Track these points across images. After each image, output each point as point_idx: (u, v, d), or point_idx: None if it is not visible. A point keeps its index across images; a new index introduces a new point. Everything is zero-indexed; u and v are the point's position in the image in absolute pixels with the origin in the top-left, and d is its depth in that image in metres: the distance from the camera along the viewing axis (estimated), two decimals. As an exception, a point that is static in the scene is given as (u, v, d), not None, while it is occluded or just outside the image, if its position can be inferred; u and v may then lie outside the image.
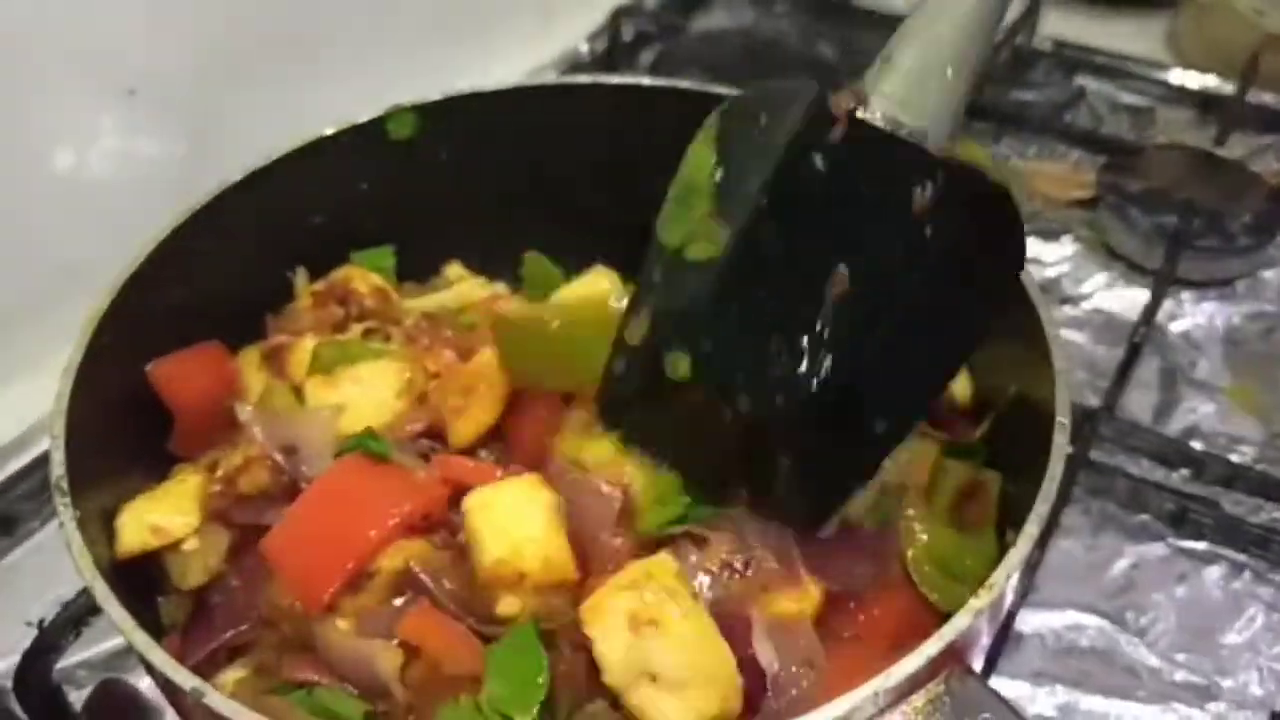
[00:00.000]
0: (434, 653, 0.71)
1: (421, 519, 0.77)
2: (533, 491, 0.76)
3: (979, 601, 0.60)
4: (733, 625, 0.70)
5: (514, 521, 0.73)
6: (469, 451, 0.85)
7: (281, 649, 0.75)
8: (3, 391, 1.21)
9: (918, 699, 0.57)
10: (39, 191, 1.20)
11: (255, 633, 0.76)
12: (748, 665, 0.68)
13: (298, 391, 0.87)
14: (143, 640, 0.60)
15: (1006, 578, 0.62)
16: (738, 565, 0.73)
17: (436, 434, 0.85)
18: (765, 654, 0.68)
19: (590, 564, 0.75)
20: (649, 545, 0.76)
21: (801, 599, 0.73)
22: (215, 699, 0.56)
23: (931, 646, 0.57)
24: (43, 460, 1.13)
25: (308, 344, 0.89)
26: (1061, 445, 0.68)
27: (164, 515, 0.79)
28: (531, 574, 0.72)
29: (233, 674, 0.75)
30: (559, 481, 0.77)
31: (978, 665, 0.72)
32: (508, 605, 0.72)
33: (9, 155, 1.15)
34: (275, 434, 0.81)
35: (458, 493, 0.78)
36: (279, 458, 0.80)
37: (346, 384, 0.85)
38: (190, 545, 0.80)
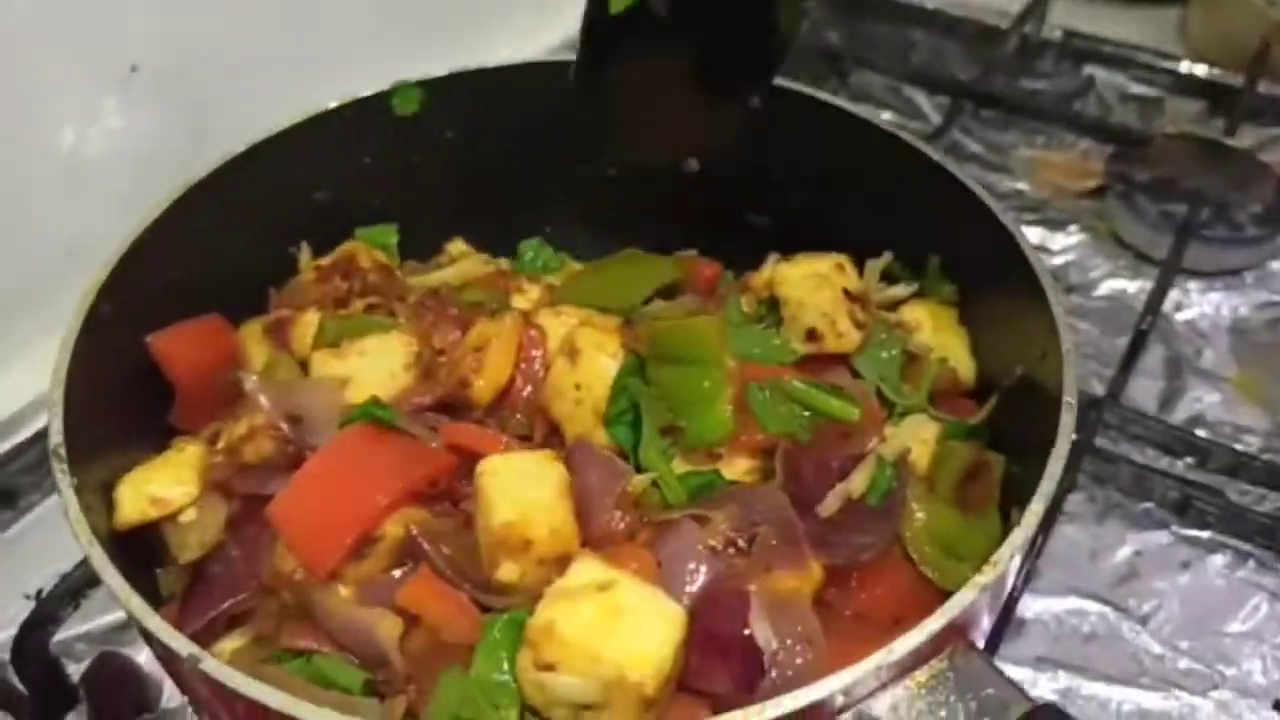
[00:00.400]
0: (432, 620, 0.71)
1: (429, 486, 0.77)
2: (545, 464, 0.76)
3: (983, 578, 0.60)
4: (730, 603, 0.69)
5: (525, 489, 0.73)
6: (489, 412, 0.85)
7: (281, 617, 0.74)
8: (4, 367, 1.20)
9: (921, 674, 0.56)
10: (40, 170, 1.19)
11: (254, 601, 0.76)
12: (745, 644, 0.67)
13: (302, 365, 0.87)
14: (139, 607, 0.60)
15: (1011, 555, 0.61)
16: (740, 542, 0.73)
17: (443, 407, 0.84)
18: (762, 632, 0.67)
19: (589, 538, 0.75)
20: (650, 524, 0.75)
21: (805, 578, 0.72)
22: (211, 665, 0.56)
23: (935, 622, 0.57)
24: (44, 435, 1.12)
25: (311, 318, 0.88)
26: (1068, 424, 0.67)
27: (163, 485, 0.79)
28: (537, 541, 0.72)
29: (230, 643, 0.75)
30: (577, 453, 0.78)
31: (980, 645, 0.72)
32: (508, 572, 0.72)
33: (10, 133, 1.15)
34: (281, 403, 0.81)
35: (464, 463, 0.78)
36: (285, 427, 0.79)
37: (353, 357, 0.84)
38: (188, 517, 0.79)
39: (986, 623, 0.73)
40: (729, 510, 0.74)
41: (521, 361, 0.86)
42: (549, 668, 0.64)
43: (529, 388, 0.86)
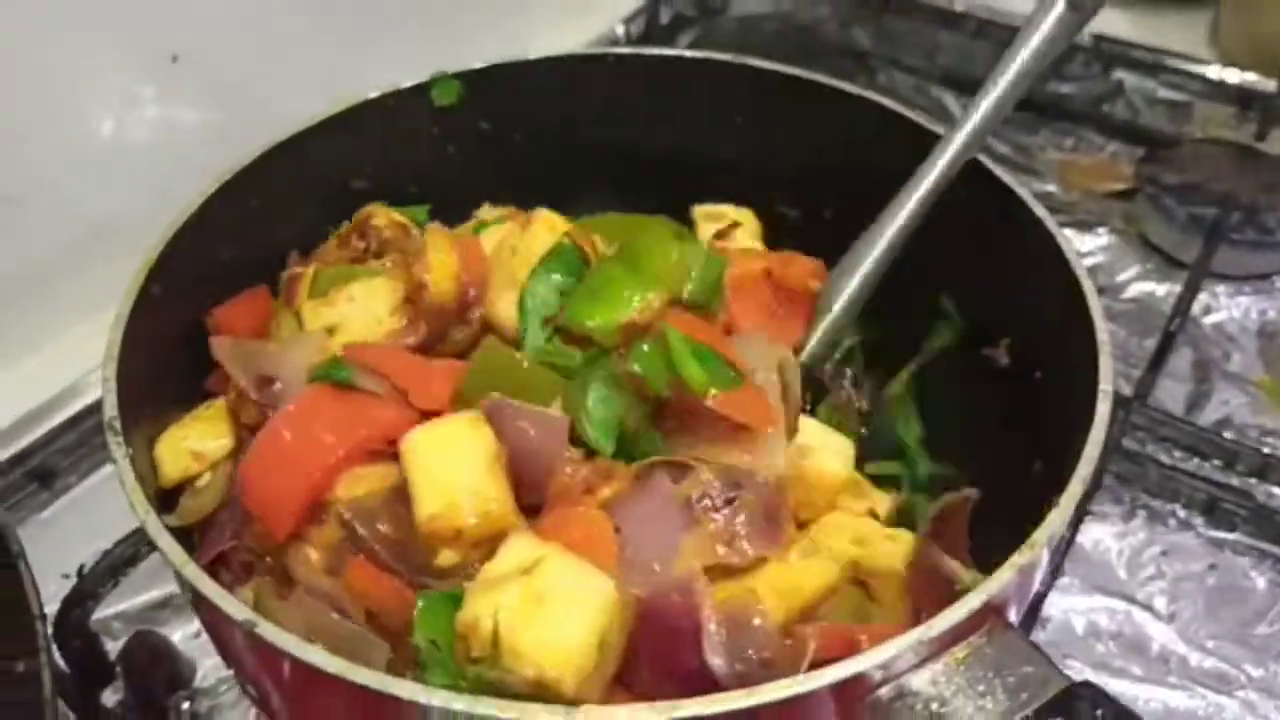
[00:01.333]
0: (373, 605, 0.69)
1: (384, 444, 0.74)
2: (470, 431, 0.72)
3: (1021, 558, 0.60)
4: (682, 625, 0.64)
5: (451, 469, 0.70)
6: (459, 313, 0.85)
7: (273, 578, 0.74)
8: (41, 349, 1.22)
9: (959, 650, 0.57)
10: (78, 157, 1.21)
11: (250, 556, 0.76)
12: (700, 672, 0.63)
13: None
14: (194, 573, 0.61)
15: (1048, 537, 0.62)
16: (717, 501, 0.69)
17: (428, 349, 0.84)
18: (718, 662, 0.63)
19: (551, 496, 0.72)
20: (618, 472, 0.72)
21: (783, 563, 0.69)
22: (268, 630, 0.57)
23: (974, 599, 0.57)
24: (81, 416, 1.16)
25: (310, 272, 0.89)
26: (1104, 412, 0.67)
27: (199, 440, 0.79)
28: (467, 530, 0.69)
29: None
30: (499, 417, 0.73)
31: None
32: (446, 558, 0.69)
33: (50, 119, 1.17)
34: (250, 366, 0.80)
35: (426, 415, 0.75)
36: (251, 390, 0.78)
37: (341, 304, 0.84)
38: (203, 481, 0.80)
39: (1025, 602, 0.73)
40: (713, 467, 0.71)
41: (465, 269, 0.86)
42: (477, 661, 0.62)
43: (473, 290, 0.86)
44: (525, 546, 0.66)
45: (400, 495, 0.72)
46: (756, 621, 0.65)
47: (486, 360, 0.80)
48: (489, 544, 0.69)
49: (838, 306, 0.89)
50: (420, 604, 0.67)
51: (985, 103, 0.86)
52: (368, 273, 0.87)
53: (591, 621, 0.62)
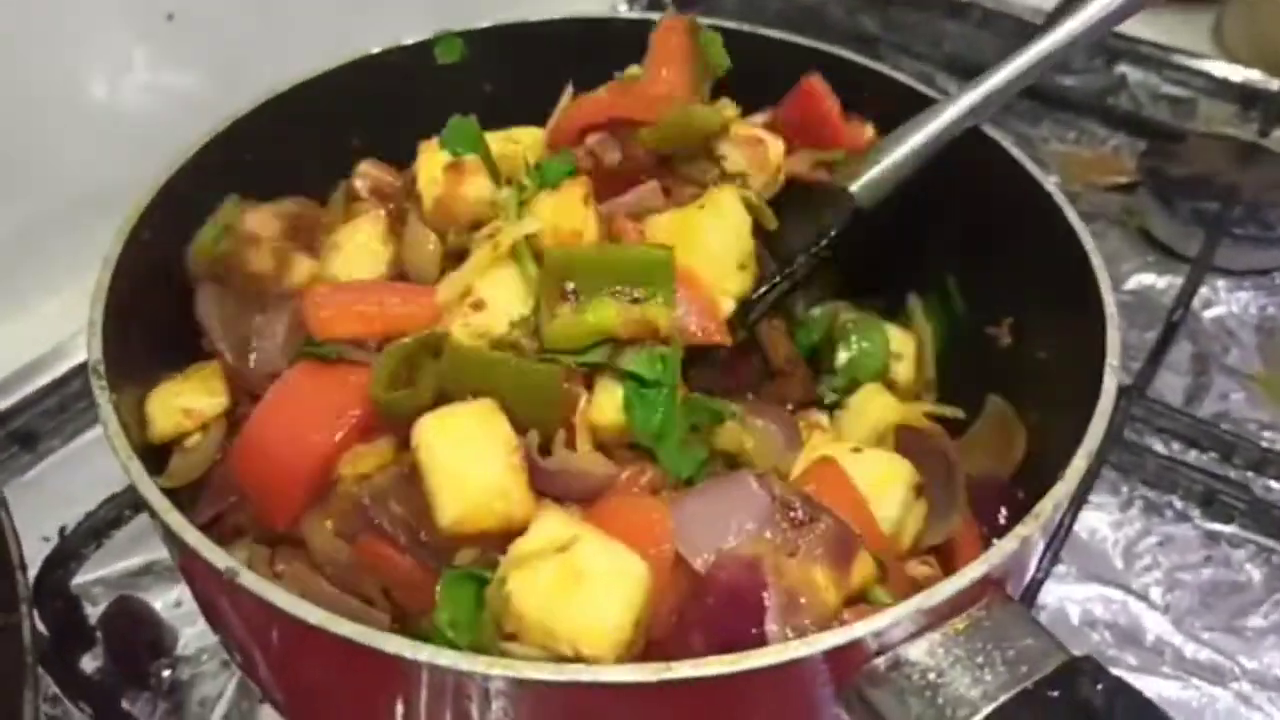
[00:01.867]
0: (388, 583, 0.67)
1: (378, 419, 0.71)
2: (486, 421, 0.69)
3: (1025, 529, 0.59)
4: (743, 604, 0.62)
5: (470, 467, 0.67)
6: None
7: (273, 541, 0.72)
8: (28, 311, 1.21)
9: (959, 622, 0.56)
10: (72, 118, 1.19)
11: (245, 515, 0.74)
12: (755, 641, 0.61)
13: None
14: (177, 521, 0.59)
15: (1053, 508, 0.61)
16: (799, 515, 0.66)
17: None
18: (774, 634, 0.61)
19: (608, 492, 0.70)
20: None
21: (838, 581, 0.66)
22: (249, 579, 0.55)
23: (974, 570, 0.56)
24: (66, 379, 1.14)
25: None
26: (1111, 387, 0.66)
27: (193, 398, 0.78)
28: (490, 530, 0.67)
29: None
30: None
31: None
32: (465, 556, 0.67)
33: (44, 81, 1.15)
34: (230, 327, 0.78)
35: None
36: (228, 353, 0.77)
37: (331, 255, 0.83)
38: (193, 441, 0.78)
39: (1021, 581, 0.72)
40: (799, 488, 0.70)
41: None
42: (510, 637, 0.61)
43: None
44: (558, 524, 0.64)
45: (411, 478, 0.70)
46: (814, 607, 0.62)
47: (468, 359, 0.72)
48: (510, 537, 0.66)
49: (898, 152, 0.87)
50: (443, 581, 0.65)
51: (1049, 37, 0.86)
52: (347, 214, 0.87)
53: (629, 602, 0.61)
